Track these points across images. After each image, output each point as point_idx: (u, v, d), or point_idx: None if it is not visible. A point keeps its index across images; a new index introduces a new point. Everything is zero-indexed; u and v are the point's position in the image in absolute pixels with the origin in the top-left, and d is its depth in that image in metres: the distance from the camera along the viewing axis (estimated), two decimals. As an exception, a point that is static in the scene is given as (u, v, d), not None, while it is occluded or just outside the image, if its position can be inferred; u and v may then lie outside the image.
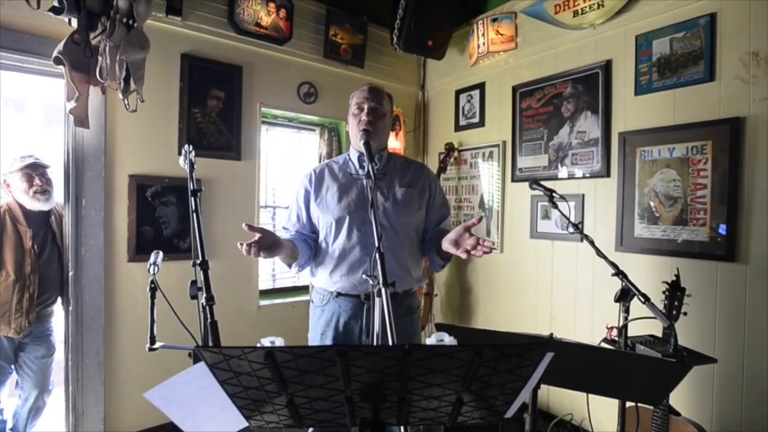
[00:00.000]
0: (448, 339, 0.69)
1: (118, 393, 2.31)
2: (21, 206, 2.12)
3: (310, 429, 1.58)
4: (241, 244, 1.28)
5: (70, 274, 2.19)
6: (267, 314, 2.85)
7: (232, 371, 0.69)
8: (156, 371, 2.04)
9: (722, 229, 1.97)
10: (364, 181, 1.60)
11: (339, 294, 1.58)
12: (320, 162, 3.14)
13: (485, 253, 1.26)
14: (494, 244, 1.30)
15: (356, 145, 1.63)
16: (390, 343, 0.98)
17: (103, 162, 2.26)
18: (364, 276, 1.18)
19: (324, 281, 1.62)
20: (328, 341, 1.57)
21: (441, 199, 1.73)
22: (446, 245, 1.40)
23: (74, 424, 2.21)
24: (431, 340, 0.72)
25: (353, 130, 1.59)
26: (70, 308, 2.20)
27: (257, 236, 1.31)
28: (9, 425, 2.20)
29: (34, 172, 2.11)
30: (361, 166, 1.63)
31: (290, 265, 1.61)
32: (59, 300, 2.27)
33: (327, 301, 1.60)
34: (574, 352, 1.11)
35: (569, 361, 1.08)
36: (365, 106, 1.55)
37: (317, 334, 1.62)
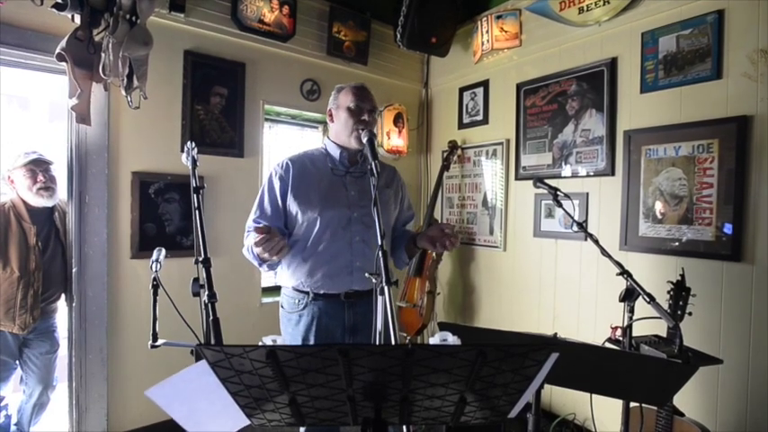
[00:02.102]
0: (452, 339, 0.68)
1: (121, 390, 2.32)
2: (24, 202, 2.13)
3: (302, 429, 1.58)
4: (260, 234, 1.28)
5: (74, 270, 2.20)
6: (269, 312, 2.84)
7: (233, 369, 0.69)
8: (158, 368, 2.04)
9: (728, 229, 1.95)
10: (346, 178, 1.60)
11: (317, 296, 1.53)
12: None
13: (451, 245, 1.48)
14: (459, 238, 1.55)
15: (342, 141, 1.61)
16: (393, 342, 0.98)
17: (106, 159, 2.26)
18: (367, 275, 1.17)
19: (299, 281, 1.55)
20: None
21: (408, 202, 1.81)
22: (423, 242, 1.56)
23: (77, 420, 2.22)
24: (434, 339, 0.71)
25: (346, 127, 1.56)
26: (74, 304, 2.21)
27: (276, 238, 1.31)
28: (14, 420, 2.21)
29: (38, 168, 2.11)
30: (342, 163, 1.61)
31: (261, 264, 1.50)
32: (63, 296, 2.28)
33: (305, 305, 1.55)
34: (578, 352, 1.10)
35: (573, 361, 1.07)
36: (365, 108, 1.56)
37: (297, 341, 1.55)
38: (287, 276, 1.59)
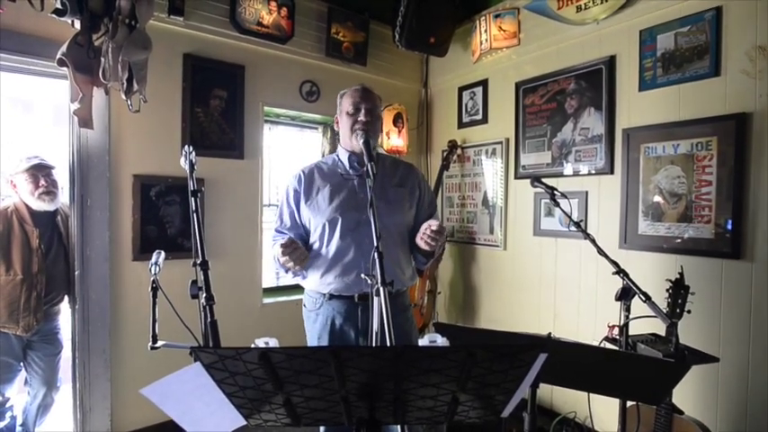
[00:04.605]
0: (440, 340, 0.69)
1: (124, 390, 2.34)
2: (27, 206, 2.15)
3: (322, 429, 1.59)
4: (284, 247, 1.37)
5: (76, 273, 2.22)
6: (271, 312, 2.86)
7: (228, 371, 0.70)
8: (161, 368, 2.05)
9: (728, 226, 1.95)
10: (355, 181, 1.60)
11: (332, 296, 1.57)
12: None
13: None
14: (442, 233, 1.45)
15: (347, 145, 1.63)
16: (389, 343, 0.98)
17: (108, 162, 2.28)
18: (363, 276, 1.18)
19: (315, 283, 1.60)
20: (325, 344, 1.56)
21: (429, 198, 1.76)
22: (416, 240, 1.50)
23: (81, 420, 2.24)
24: (423, 341, 0.72)
25: (347, 130, 1.58)
26: (76, 306, 2.23)
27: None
28: (19, 421, 2.24)
29: (39, 173, 2.14)
30: (352, 166, 1.62)
31: (287, 271, 1.56)
32: (66, 298, 2.30)
33: (321, 304, 1.59)
34: (572, 351, 1.11)
35: (568, 360, 1.08)
36: (362, 107, 1.56)
37: (314, 338, 1.62)
38: (307, 279, 1.64)
